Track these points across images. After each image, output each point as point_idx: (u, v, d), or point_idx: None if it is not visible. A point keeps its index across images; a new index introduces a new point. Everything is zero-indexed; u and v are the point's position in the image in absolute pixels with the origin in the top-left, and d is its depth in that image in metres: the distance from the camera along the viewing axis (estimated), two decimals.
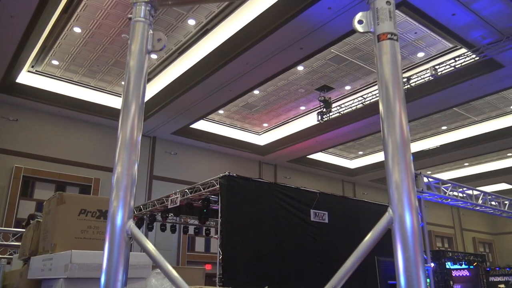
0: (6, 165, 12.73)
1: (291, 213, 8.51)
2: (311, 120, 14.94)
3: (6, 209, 12.43)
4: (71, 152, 13.95)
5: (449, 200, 10.16)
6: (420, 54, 11.58)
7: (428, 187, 9.28)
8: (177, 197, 9.94)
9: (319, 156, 19.18)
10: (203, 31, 10.45)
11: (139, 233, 1.17)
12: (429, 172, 18.83)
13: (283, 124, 16.25)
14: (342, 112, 13.47)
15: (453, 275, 16.05)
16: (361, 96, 13.09)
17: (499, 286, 16.96)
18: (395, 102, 1.08)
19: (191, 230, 13.49)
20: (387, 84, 1.11)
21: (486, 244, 27.68)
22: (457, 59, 10.80)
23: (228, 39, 10.32)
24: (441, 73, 11.05)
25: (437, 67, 11.01)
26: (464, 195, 10.52)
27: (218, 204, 8.38)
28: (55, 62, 11.92)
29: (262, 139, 17.40)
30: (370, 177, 21.24)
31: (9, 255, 8.85)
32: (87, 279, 2.32)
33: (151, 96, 12.98)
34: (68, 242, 2.56)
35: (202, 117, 14.81)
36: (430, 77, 11.17)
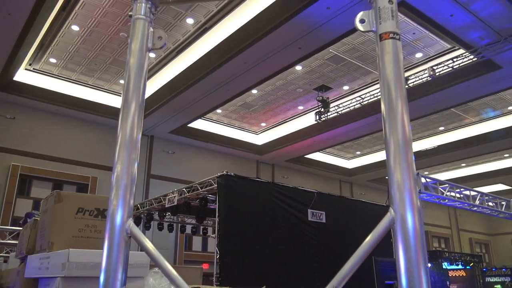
0: (3, 163, 12.69)
1: (289, 213, 8.51)
2: (309, 120, 14.94)
3: (2, 208, 12.39)
4: (69, 150, 13.91)
5: (447, 200, 10.17)
6: (418, 55, 11.59)
7: (426, 188, 9.29)
8: (174, 196, 9.93)
9: (317, 156, 19.19)
10: (202, 30, 10.43)
11: (138, 232, 1.17)
12: (426, 173, 18.85)
13: (281, 124, 16.25)
14: (340, 112, 13.48)
15: (450, 275, 16.09)
16: (359, 96, 13.09)
17: (495, 286, 17.03)
18: (397, 102, 1.08)
19: (188, 229, 13.48)
20: (389, 83, 1.10)
21: (483, 244, 27.76)
22: (455, 60, 10.82)
23: (227, 38, 10.30)
24: (439, 74, 11.07)
25: (435, 67, 11.03)
26: (461, 195, 10.53)
27: (215, 204, 8.38)
28: (52, 60, 11.89)
29: (260, 139, 17.39)
30: (368, 177, 21.27)
31: (5, 253, 8.81)
32: (85, 278, 2.31)
33: (150, 95, 12.94)
34: (65, 240, 2.55)
35: (200, 116, 14.80)
36: (428, 77, 11.19)
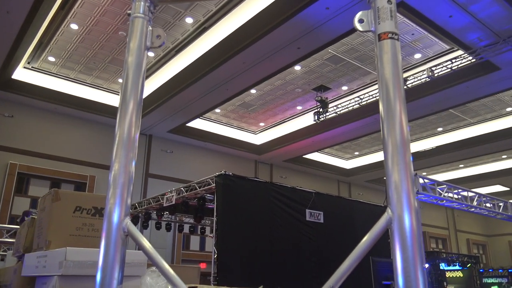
0: (1, 161, 12.67)
1: (287, 213, 8.51)
2: (308, 120, 14.94)
3: (0, 206, 12.37)
4: (67, 149, 13.89)
5: (444, 201, 10.18)
6: (417, 56, 11.61)
7: (424, 188, 9.30)
8: (172, 196, 9.92)
9: (315, 156, 19.20)
10: (201, 29, 10.42)
11: (135, 231, 1.16)
12: (424, 173, 18.88)
13: (279, 124, 16.25)
14: (338, 112, 13.49)
15: (447, 276, 16.12)
16: (358, 97, 13.10)
17: (492, 287, 17.06)
18: (395, 102, 1.08)
19: (186, 228, 13.46)
20: (388, 83, 1.10)
21: (480, 245, 27.81)
22: (453, 60, 10.84)
23: (226, 37, 10.30)
24: (438, 75, 11.09)
25: (433, 68, 11.04)
26: (459, 196, 10.54)
27: (213, 203, 8.37)
28: (51, 59, 11.86)
29: (258, 139, 17.39)
30: (366, 177, 21.28)
31: (3, 251, 8.80)
32: (82, 276, 2.30)
33: (148, 94, 12.93)
34: (62, 239, 2.54)
35: (199, 115, 14.79)
36: (427, 78, 11.20)
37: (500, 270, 17.82)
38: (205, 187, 8.90)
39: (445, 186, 10.12)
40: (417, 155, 17.67)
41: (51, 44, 11.08)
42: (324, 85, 13.20)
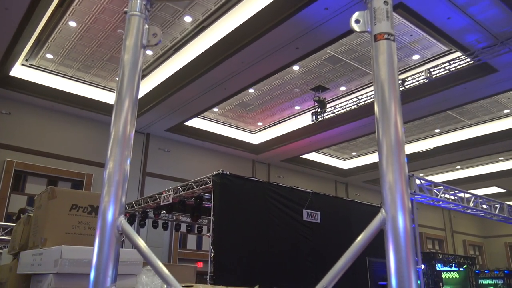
0: None
1: (284, 213, 8.52)
2: (306, 120, 14.96)
3: None
4: (64, 147, 13.87)
5: (441, 202, 10.21)
6: (415, 57, 11.63)
7: (421, 189, 9.32)
8: (169, 194, 9.91)
9: (313, 156, 19.22)
10: (199, 28, 10.42)
11: (130, 229, 1.16)
12: (421, 174, 18.92)
13: (277, 124, 16.26)
14: (336, 113, 13.50)
15: (443, 277, 16.17)
16: (356, 97, 13.12)
17: None
18: (390, 103, 1.08)
19: (183, 227, 13.46)
20: (383, 84, 1.10)
21: (476, 246, 27.90)
22: (451, 62, 10.86)
23: (224, 37, 10.30)
24: (436, 76, 11.11)
25: (431, 70, 11.07)
26: (456, 197, 10.58)
27: (210, 202, 8.38)
28: (49, 56, 11.84)
29: (256, 138, 17.39)
30: (363, 178, 21.31)
31: None
32: (77, 274, 2.30)
33: (146, 93, 12.92)
34: (58, 237, 2.54)
35: (197, 114, 14.79)
36: (425, 79, 11.23)
37: (496, 272, 17.90)
38: (203, 186, 8.90)
39: (441, 187, 10.16)
40: (414, 156, 17.71)
41: (49, 41, 11.06)
42: (322, 85, 13.22)
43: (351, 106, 13.19)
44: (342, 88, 13.47)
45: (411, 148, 17.36)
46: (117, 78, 1.31)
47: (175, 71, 11.94)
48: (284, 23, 9.52)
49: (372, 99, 12.51)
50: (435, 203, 10.30)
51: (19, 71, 12.19)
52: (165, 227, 12.77)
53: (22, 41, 10.50)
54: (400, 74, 11.94)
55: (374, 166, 19.28)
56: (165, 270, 1.11)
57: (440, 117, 15.01)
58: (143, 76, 12.34)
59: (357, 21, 1.19)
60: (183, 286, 1.17)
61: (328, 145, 17.74)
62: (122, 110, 1.26)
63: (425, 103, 13.08)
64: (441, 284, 15.21)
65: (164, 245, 15.22)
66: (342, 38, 10.36)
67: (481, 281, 17.46)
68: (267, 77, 12.20)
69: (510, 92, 13.00)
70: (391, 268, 0.96)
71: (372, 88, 13.13)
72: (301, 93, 13.82)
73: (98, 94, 13.53)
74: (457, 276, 16.89)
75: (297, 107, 14.93)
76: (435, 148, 17.36)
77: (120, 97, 1.28)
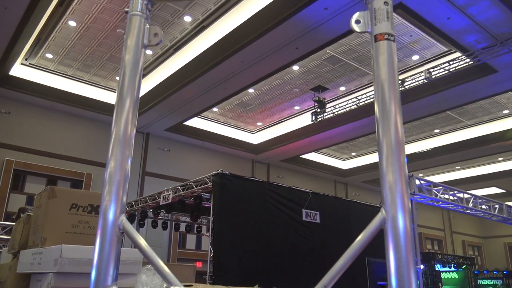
0: None
1: (283, 212, 8.51)
2: (305, 120, 14.96)
3: None
4: (64, 146, 13.86)
5: (440, 202, 10.21)
6: (415, 57, 11.63)
7: (420, 189, 9.33)
8: (169, 194, 9.91)
9: (312, 156, 19.22)
10: (199, 28, 10.42)
11: (131, 228, 1.17)
12: (421, 175, 18.94)
13: (277, 124, 16.26)
14: (336, 113, 13.51)
15: (442, 277, 16.18)
16: (355, 98, 13.13)
17: None
18: (390, 103, 1.09)
19: (182, 227, 13.46)
20: (383, 85, 1.11)
21: (475, 247, 27.91)
22: (451, 62, 10.87)
23: (224, 37, 10.30)
24: (435, 77, 11.12)
25: (431, 70, 11.07)
26: (455, 198, 10.58)
27: (210, 202, 8.37)
28: (49, 56, 11.83)
29: (255, 138, 17.39)
30: (362, 178, 21.32)
31: None
32: (77, 274, 2.30)
33: (146, 92, 12.92)
34: (58, 236, 2.54)
35: (196, 114, 14.79)
36: (424, 80, 11.23)
37: (495, 272, 17.92)
38: (202, 186, 8.90)
39: (441, 187, 10.16)
40: (413, 157, 17.72)
41: (49, 41, 11.05)
42: (322, 86, 13.22)
43: (350, 106, 13.19)
44: (342, 88, 13.47)
45: (410, 149, 17.37)
46: (117, 78, 1.31)
47: (174, 70, 11.94)
48: (284, 23, 9.52)
49: (372, 99, 12.52)
50: (435, 203, 10.30)
51: (19, 70, 12.18)
52: (164, 227, 12.77)
53: (22, 41, 10.49)
54: (399, 74, 11.92)
55: (373, 166, 19.30)
56: (166, 269, 1.12)
57: (440, 117, 15.02)
58: (143, 76, 12.32)
59: (357, 22, 1.20)
60: (183, 286, 1.17)
61: (328, 145, 17.74)
62: (123, 110, 1.27)
63: (425, 104, 13.09)
64: (440, 285, 15.22)
65: (164, 245, 15.22)
66: (342, 38, 10.37)
67: (480, 282, 17.47)
68: (267, 77, 12.20)
69: (510, 92, 13.01)
70: (391, 268, 0.97)
71: (371, 88, 13.18)
72: (300, 93, 13.82)
73: (97, 93, 13.53)
74: (456, 277, 16.90)
75: (296, 107, 14.93)
76: (434, 149, 17.37)
77: (121, 97, 1.28)
